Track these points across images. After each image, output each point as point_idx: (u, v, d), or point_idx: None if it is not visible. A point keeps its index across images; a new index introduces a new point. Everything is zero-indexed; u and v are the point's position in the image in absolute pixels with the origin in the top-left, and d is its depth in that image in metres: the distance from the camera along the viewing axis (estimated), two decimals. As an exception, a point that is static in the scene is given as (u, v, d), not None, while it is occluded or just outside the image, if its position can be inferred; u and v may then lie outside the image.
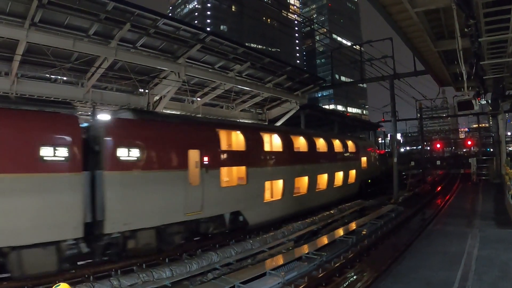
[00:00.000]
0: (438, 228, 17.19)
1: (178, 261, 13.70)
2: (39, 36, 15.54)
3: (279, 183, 20.85)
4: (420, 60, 23.92)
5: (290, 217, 20.91)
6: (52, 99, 18.45)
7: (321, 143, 26.30)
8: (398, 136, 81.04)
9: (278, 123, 32.47)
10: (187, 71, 20.81)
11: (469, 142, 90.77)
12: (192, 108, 26.29)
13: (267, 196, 20.23)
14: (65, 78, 19.80)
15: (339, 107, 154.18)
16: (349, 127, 51.95)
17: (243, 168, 18.23)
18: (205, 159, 15.77)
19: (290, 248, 15.68)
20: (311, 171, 23.49)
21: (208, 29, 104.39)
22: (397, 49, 30.58)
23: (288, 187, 20.95)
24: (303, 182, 22.90)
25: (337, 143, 28.40)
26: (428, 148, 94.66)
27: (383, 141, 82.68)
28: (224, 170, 17.39)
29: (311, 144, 24.33)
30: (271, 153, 20.71)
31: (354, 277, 12.55)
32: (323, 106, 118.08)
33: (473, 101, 15.87)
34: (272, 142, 21.71)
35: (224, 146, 18.06)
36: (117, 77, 21.18)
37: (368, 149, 35.32)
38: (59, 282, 5.22)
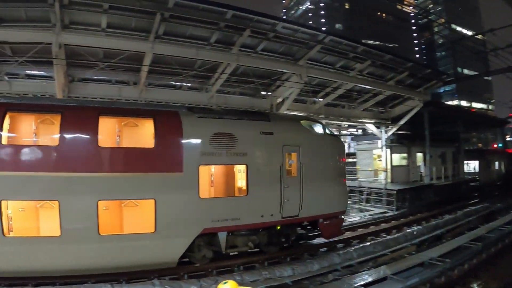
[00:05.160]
0: None
1: (299, 260, 13.89)
2: (164, 48, 16.14)
3: None
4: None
5: None
6: (178, 104, 18.73)
7: None
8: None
9: (401, 122, 30.15)
10: (309, 72, 20.13)
11: None
12: (314, 109, 25.32)
13: None
14: (189, 85, 20.34)
15: (463, 103, 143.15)
16: (474, 124, 47.53)
17: None
18: None
19: (413, 252, 15.14)
20: None
21: (323, 28, 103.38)
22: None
23: None
24: None
25: None
26: None
27: (512, 138, 75.22)
28: None
29: None
30: None
31: (478, 288, 11.62)
32: (445, 102, 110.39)
33: None
34: None
35: None
36: (239, 81, 21.13)
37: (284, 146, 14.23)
38: (226, 280, 4.86)
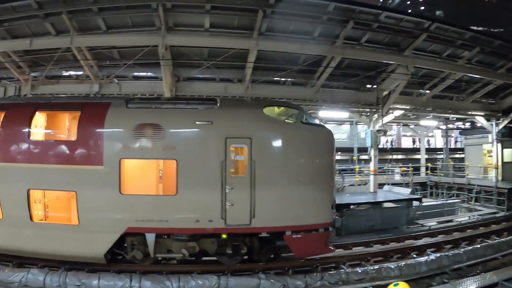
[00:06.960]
0: None
1: (406, 259, 13.51)
2: (268, 44, 16.44)
3: None
4: None
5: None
6: (284, 100, 18.86)
7: None
8: None
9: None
10: (415, 63, 19.15)
11: None
12: (421, 101, 24.10)
13: None
14: (293, 80, 20.53)
15: None
16: None
17: None
18: None
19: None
20: None
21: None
22: None
23: None
24: None
25: None
26: None
27: None
28: None
29: None
30: None
31: None
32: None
33: None
34: None
35: None
36: (344, 75, 20.76)
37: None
38: (397, 282, 4.65)
